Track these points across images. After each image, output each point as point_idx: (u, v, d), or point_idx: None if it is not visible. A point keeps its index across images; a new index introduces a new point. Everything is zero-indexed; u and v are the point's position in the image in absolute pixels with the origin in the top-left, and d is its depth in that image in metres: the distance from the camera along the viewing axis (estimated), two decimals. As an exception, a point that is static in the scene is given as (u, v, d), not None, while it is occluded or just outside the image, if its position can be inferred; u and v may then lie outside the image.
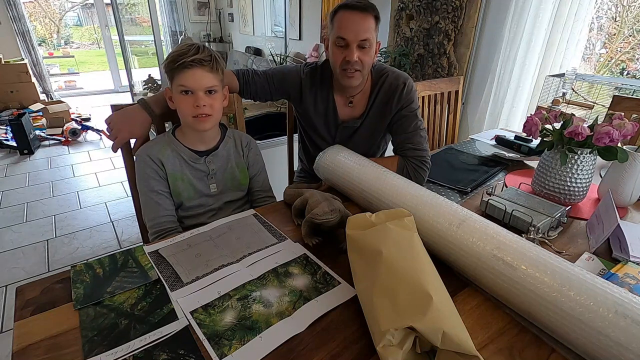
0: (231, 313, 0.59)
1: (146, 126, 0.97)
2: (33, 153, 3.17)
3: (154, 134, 1.07)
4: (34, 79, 4.22)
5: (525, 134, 0.98)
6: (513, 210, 0.85)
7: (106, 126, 0.94)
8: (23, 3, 4.33)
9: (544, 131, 0.96)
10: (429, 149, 1.09)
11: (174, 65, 0.84)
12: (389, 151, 1.23)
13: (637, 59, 2.11)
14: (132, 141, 1.01)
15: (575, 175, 0.92)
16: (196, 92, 0.86)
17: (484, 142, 1.41)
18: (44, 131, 3.53)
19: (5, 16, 4.21)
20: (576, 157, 0.90)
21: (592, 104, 1.89)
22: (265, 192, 1.08)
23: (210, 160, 0.97)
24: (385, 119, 1.11)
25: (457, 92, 1.72)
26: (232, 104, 1.13)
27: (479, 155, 1.29)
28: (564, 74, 1.89)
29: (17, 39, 4.33)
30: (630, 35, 2.09)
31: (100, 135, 3.58)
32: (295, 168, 1.51)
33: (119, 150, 1.00)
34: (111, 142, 0.94)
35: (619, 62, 2.18)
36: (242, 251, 0.75)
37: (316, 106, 1.15)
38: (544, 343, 0.56)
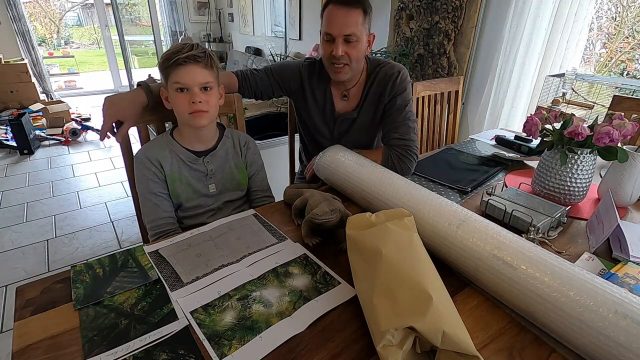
0: (231, 313, 0.59)
1: (136, 105, 0.92)
2: (33, 153, 3.17)
3: (154, 134, 1.07)
4: (34, 79, 4.22)
5: (525, 134, 0.98)
6: (513, 210, 0.85)
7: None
8: (23, 3, 4.33)
9: (544, 131, 0.96)
10: (417, 139, 1.09)
11: (169, 63, 0.84)
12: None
13: (637, 59, 2.11)
14: (132, 141, 1.01)
15: (575, 175, 0.92)
16: (192, 88, 0.86)
17: (484, 142, 1.41)
18: (44, 131, 3.53)
19: (5, 16, 4.22)
20: (576, 157, 0.90)
21: (592, 104, 1.89)
22: (263, 192, 1.08)
23: (209, 160, 0.97)
24: (380, 108, 1.12)
25: (457, 92, 1.72)
26: (232, 104, 1.13)
27: (479, 155, 1.29)
28: (564, 74, 1.89)
29: (17, 39, 4.33)
30: (630, 36, 2.08)
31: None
32: (297, 169, 1.51)
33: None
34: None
35: (619, 62, 2.18)
36: (242, 251, 0.75)
37: (315, 100, 1.16)
38: (544, 343, 0.56)
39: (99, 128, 0.91)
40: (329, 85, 1.14)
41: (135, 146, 0.96)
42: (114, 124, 0.94)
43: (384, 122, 1.13)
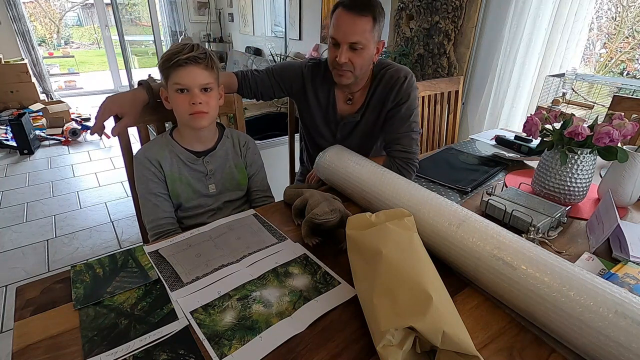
0: (231, 313, 0.59)
1: (137, 102, 0.93)
2: (33, 153, 3.17)
3: (154, 134, 1.07)
4: (34, 79, 4.22)
5: (525, 134, 0.98)
6: (513, 210, 0.85)
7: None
8: (23, 3, 4.33)
9: (544, 131, 0.96)
10: (418, 151, 1.07)
11: (169, 63, 0.84)
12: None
13: (637, 59, 2.11)
14: (132, 141, 1.01)
15: (575, 175, 0.92)
16: (192, 89, 0.86)
17: (484, 142, 1.41)
18: (44, 131, 3.53)
19: (5, 16, 4.21)
20: (576, 157, 0.90)
21: (592, 104, 1.89)
22: (263, 192, 1.08)
23: (208, 160, 0.97)
24: (383, 112, 1.10)
25: (457, 92, 1.72)
26: (232, 104, 1.13)
27: (479, 155, 1.29)
28: (564, 74, 1.89)
29: (17, 39, 4.33)
30: (630, 36, 2.09)
31: (100, 135, 3.58)
32: (297, 169, 1.51)
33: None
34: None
35: (619, 62, 2.18)
36: (242, 251, 0.75)
37: (317, 101, 1.14)
38: (544, 343, 0.56)
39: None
40: (333, 87, 1.12)
41: (135, 146, 0.96)
42: (112, 119, 0.93)
43: (386, 128, 1.11)
